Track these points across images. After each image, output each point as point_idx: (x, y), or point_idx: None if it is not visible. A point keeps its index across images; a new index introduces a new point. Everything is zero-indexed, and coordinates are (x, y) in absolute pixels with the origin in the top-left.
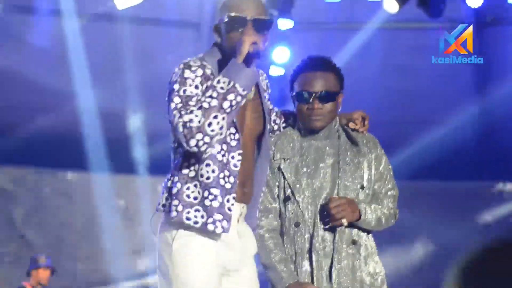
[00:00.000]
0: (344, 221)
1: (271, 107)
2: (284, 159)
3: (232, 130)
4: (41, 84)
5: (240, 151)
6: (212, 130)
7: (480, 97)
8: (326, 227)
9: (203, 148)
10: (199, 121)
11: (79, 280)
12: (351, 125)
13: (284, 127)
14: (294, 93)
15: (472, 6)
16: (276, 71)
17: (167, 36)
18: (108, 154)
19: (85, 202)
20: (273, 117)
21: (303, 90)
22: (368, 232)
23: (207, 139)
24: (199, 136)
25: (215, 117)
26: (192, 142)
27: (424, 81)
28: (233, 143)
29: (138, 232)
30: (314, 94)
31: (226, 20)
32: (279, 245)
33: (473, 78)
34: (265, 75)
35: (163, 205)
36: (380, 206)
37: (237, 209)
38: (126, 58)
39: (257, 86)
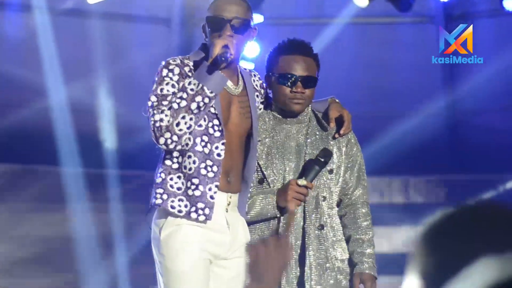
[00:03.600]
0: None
1: (260, 107)
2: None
3: (216, 122)
4: (11, 79)
5: (224, 141)
6: (180, 130)
7: (447, 92)
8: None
9: (171, 146)
10: (168, 121)
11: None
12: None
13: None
14: (276, 75)
15: (441, 0)
16: (246, 65)
17: (137, 31)
18: (79, 149)
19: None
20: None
21: (289, 72)
22: (335, 216)
23: (175, 138)
24: (167, 135)
25: (183, 117)
26: (161, 140)
27: (393, 76)
28: (217, 134)
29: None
30: (299, 78)
31: (206, 20)
32: None
33: (441, 72)
34: (258, 76)
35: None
36: (359, 232)
37: (223, 198)
38: (96, 54)
39: (244, 83)
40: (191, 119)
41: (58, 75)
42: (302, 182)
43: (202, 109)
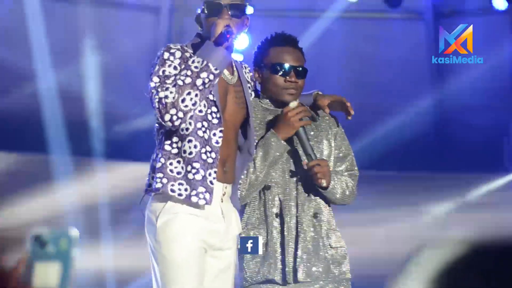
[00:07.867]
0: (324, 182)
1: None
2: None
3: (214, 109)
4: (1, 64)
5: (221, 129)
6: (186, 106)
7: (435, 88)
8: (294, 193)
9: (177, 123)
10: (174, 97)
11: None
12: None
13: None
14: (268, 65)
15: None
16: (235, 57)
17: (126, 19)
18: (68, 136)
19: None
20: None
21: (282, 62)
22: (329, 205)
23: (180, 114)
24: (173, 111)
25: (189, 93)
26: (167, 117)
27: (382, 71)
28: (215, 121)
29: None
30: (292, 68)
31: (203, 6)
32: None
33: (429, 69)
34: (248, 68)
35: (149, 185)
36: (345, 178)
37: (220, 188)
38: (85, 40)
39: (238, 74)
40: (196, 95)
41: (46, 61)
42: (293, 104)
43: (207, 86)
